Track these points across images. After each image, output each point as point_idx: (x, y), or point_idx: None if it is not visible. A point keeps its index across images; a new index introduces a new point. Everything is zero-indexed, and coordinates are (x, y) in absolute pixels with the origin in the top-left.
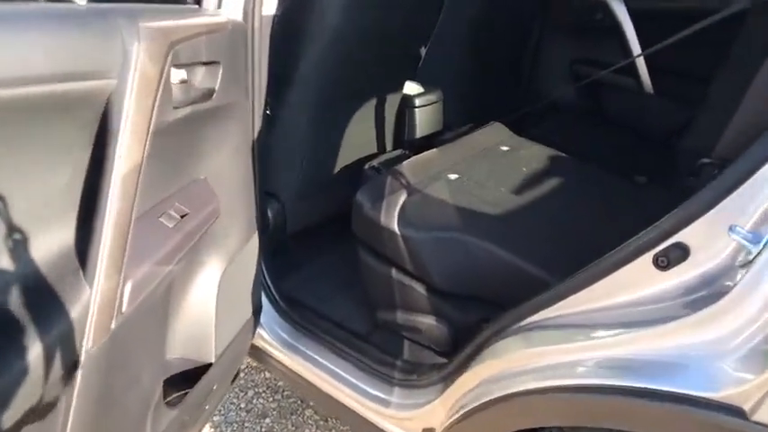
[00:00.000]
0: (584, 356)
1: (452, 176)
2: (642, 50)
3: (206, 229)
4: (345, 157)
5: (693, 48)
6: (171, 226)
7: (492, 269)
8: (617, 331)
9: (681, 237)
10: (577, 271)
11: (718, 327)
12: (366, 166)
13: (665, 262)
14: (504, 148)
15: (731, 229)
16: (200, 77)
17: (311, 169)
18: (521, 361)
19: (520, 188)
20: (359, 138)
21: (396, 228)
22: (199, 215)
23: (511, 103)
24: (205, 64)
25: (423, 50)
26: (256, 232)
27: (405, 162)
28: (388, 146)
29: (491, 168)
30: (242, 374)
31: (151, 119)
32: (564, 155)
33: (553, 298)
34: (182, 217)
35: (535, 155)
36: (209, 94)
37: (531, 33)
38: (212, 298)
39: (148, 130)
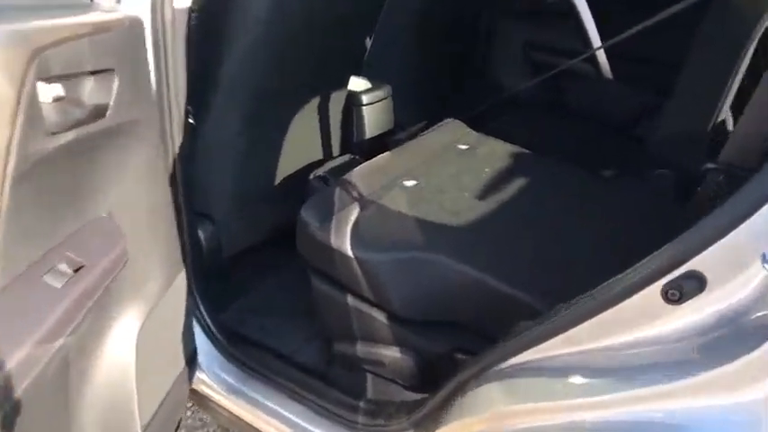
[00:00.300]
0: (585, 417)
1: (409, 183)
2: (599, 34)
3: (112, 278)
4: (287, 165)
5: (651, 30)
6: (60, 285)
7: (461, 290)
8: (624, 381)
9: (695, 264)
10: (558, 289)
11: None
12: (311, 176)
13: (677, 295)
14: (463, 147)
15: (765, 259)
16: (88, 91)
17: (247, 182)
18: (505, 420)
19: (484, 192)
20: (301, 142)
21: (349, 250)
22: (100, 264)
23: (465, 93)
24: (93, 74)
25: (368, 42)
26: (183, 269)
27: (355, 170)
28: (335, 149)
29: (451, 171)
30: (189, 413)
31: (10, 154)
32: (526, 151)
33: (541, 336)
34: (76, 271)
35: (496, 152)
36: (100, 111)
37: (481, 19)
38: (130, 359)
39: (6, 170)
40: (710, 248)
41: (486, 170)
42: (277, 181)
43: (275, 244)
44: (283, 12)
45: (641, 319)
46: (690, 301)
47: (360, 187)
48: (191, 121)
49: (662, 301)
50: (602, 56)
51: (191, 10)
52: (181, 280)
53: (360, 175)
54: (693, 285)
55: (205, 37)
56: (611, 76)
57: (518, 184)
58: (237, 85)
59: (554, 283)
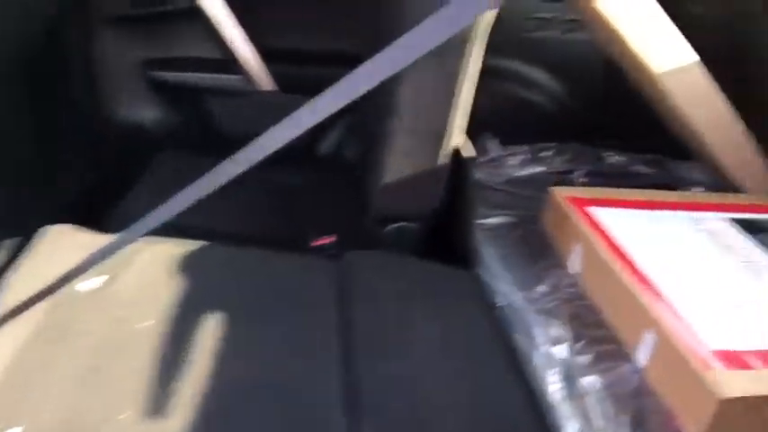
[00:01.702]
0: None
1: None
2: (247, 32)
3: None
4: None
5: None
6: None
7: None
8: None
9: None
10: None
11: None
12: None
13: None
14: (92, 286)
15: None
16: None
17: None
18: None
19: (160, 396)
20: None
21: None
22: None
23: (79, 153)
24: None
25: None
26: None
27: None
28: None
29: (82, 360)
30: None
31: None
32: (198, 246)
33: None
34: None
35: (154, 273)
36: None
37: (72, 38)
38: None
39: None
40: None
41: (147, 324)
42: None
43: None
44: None
45: None
46: None
47: None
48: None
49: None
50: (250, 61)
51: None
52: None
53: None
54: None
55: None
56: (270, 87)
57: (211, 334)
58: None
59: None
